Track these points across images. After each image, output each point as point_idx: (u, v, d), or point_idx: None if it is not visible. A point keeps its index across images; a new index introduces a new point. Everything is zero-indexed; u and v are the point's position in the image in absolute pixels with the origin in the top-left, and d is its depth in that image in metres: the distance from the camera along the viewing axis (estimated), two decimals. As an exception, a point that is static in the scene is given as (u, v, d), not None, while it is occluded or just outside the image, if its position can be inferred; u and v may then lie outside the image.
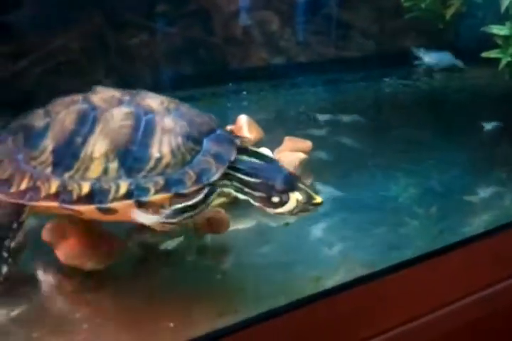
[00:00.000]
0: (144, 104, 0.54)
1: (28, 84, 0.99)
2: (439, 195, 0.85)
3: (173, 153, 0.52)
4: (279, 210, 0.53)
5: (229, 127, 0.89)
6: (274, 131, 0.92)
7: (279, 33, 1.19)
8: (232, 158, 0.53)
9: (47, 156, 0.53)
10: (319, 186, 0.78)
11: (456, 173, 0.89)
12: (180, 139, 0.52)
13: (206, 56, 1.14)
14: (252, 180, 0.54)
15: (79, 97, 0.56)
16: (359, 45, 1.25)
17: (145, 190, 0.51)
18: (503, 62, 0.92)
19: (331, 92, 1.17)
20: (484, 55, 0.94)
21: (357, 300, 0.59)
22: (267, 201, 0.53)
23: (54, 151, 0.53)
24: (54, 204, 0.51)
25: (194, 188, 0.51)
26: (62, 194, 0.51)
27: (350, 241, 0.65)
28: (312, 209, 0.54)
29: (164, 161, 0.52)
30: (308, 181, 0.79)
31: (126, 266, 0.58)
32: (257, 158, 0.57)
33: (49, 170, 0.52)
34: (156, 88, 1.04)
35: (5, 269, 0.52)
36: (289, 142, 0.82)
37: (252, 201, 0.54)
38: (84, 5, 1.02)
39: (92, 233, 0.56)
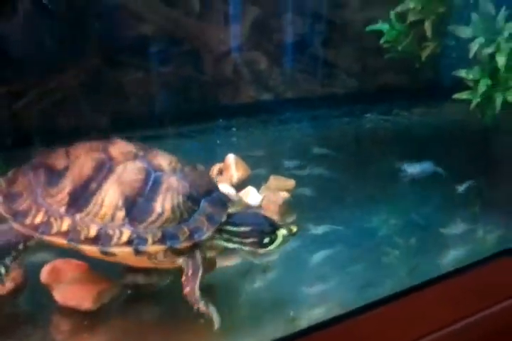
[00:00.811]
0: (155, 161, 0.60)
1: (27, 123, 1.04)
2: (417, 228, 0.90)
3: (173, 210, 0.58)
4: (270, 248, 0.61)
5: (218, 165, 0.95)
6: (260, 167, 0.98)
7: (267, 72, 1.26)
8: (223, 220, 0.60)
9: (63, 196, 0.58)
10: (302, 223, 0.82)
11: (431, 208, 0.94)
12: (181, 198, 0.59)
13: (198, 94, 1.20)
14: (242, 229, 0.61)
15: (99, 145, 0.62)
16: (342, 82, 1.32)
17: (144, 240, 0.56)
18: (474, 102, 0.99)
19: (316, 128, 1.23)
20: (456, 96, 1.01)
21: (332, 339, 0.63)
22: (259, 243, 0.61)
23: (70, 193, 0.58)
24: (63, 241, 0.56)
25: (186, 244, 0.57)
26: (71, 233, 0.56)
27: (329, 279, 0.69)
28: (290, 239, 0.62)
29: (164, 216, 0.58)
30: (292, 218, 0.86)
31: (120, 305, 0.62)
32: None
33: (63, 209, 0.57)
34: (149, 125, 1.11)
35: None
36: (273, 181, 0.87)
37: (242, 247, 0.62)
38: (82, 45, 1.09)
39: (87, 275, 0.61)
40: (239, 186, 0.87)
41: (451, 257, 0.81)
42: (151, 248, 0.56)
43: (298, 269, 0.71)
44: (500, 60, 0.95)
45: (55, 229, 0.57)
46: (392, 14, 1.10)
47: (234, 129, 1.18)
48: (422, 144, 1.16)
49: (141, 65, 1.15)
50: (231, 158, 0.91)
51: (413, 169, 0.92)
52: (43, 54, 1.03)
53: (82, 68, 1.10)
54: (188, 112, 1.18)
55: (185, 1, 1.14)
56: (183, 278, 0.58)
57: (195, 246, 0.58)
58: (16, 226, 0.57)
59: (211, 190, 0.62)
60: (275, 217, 0.77)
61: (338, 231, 0.82)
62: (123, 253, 0.56)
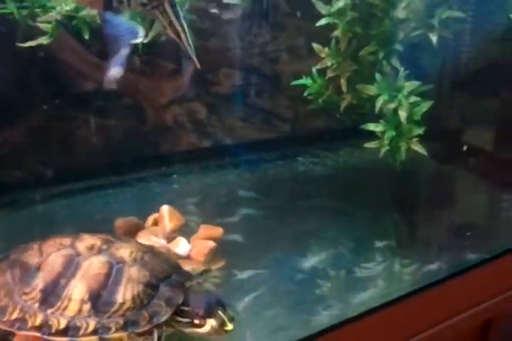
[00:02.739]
0: (117, 254, 0.70)
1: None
2: (345, 266, 1.00)
3: (133, 299, 0.67)
4: (198, 331, 0.69)
5: (153, 216, 1.04)
6: (195, 215, 1.07)
7: (206, 120, 1.36)
8: (180, 302, 0.69)
9: (36, 293, 0.67)
10: (230, 270, 0.92)
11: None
12: (140, 287, 0.68)
13: (140, 144, 1.30)
14: (185, 308, 0.69)
15: (68, 241, 0.71)
16: (276, 128, 1.43)
17: (107, 329, 0.65)
18: (382, 151, 1.11)
19: (252, 172, 1.34)
20: (366, 145, 1.13)
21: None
22: (191, 323, 0.69)
23: (42, 290, 0.67)
24: (37, 334, 0.65)
25: (146, 328, 0.66)
26: (44, 327, 0.65)
27: (242, 326, 0.76)
28: (224, 335, 0.69)
29: (126, 306, 0.67)
30: (219, 265, 0.94)
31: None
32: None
33: (36, 305, 0.66)
34: (93, 175, 1.19)
35: None
36: (202, 230, 0.96)
37: (177, 326, 0.69)
38: (28, 101, 1.17)
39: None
40: (172, 236, 0.97)
41: (365, 296, 0.92)
42: (114, 335, 0.65)
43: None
44: (402, 115, 1.08)
45: (29, 325, 0.65)
46: (314, 70, 1.23)
47: (175, 176, 1.27)
48: (343, 184, 1.29)
49: (85, 118, 1.24)
50: (165, 209, 1.00)
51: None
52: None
53: (27, 123, 1.19)
54: (131, 162, 1.27)
55: (126, 59, 1.25)
56: None
57: (155, 326, 0.67)
58: None
59: (170, 273, 0.71)
60: (200, 266, 0.86)
61: (261, 276, 0.92)
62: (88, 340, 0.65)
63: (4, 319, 0.66)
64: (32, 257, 0.70)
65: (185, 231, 0.99)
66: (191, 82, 1.34)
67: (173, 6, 0.83)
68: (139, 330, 0.66)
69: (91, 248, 0.70)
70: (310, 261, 0.99)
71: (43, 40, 0.98)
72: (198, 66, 0.86)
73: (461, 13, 1.11)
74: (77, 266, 0.68)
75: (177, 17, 0.83)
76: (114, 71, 1.04)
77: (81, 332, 0.65)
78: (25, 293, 0.67)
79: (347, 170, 1.35)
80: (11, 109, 1.14)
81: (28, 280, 0.68)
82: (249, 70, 1.39)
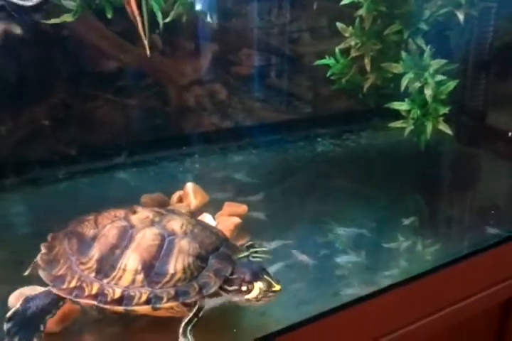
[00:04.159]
0: (168, 226, 0.72)
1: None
2: (367, 244, 1.00)
3: (184, 270, 0.69)
4: (247, 297, 0.70)
5: (178, 193, 1.05)
6: (218, 194, 1.08)
7: (227, 101, 1.36)
8: (228, 274, 0.70)
9: (92, 263, 0.69)
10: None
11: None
12: (191, 259, 0.70)
13: (162, 123, 1.30)
14: (230, 277, 0.71)
15: (122, 213, 0.73)
16: (297, 109, 1.42)
17: (159, 299, 0.67)
18: (407, 130, 1.10)
19: (273, 152, 1.34)
20: (391, 125, 1.12)
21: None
22: (239, 291, 0.70)
23: (98, 260, 0.69)
24: (93, 302, 0.67)
25: (196, 298, 0.68)
26: (100, 296, 0.67)
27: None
28: (273, 296, 0.70)
29: (177, 276, 0.68)
30: (244, 241, 0.95)
31: (82, 327, 0.72)
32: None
33: (92, 275, 0.69)
34: (116, 154, 1.20)
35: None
36: (227, 207, 0.97)
37: (226, 295, 0.71)
38: (51, 81, 1.18)
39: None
40: (197, 213, 0.97)
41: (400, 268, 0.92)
42: (166, 305, 0.67)
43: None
44: (428, 93, 1.07)
45: (86, 293, 0.68)
46: (336, 50, 1.22)
47: (196, 156, 1.28)
48: (364, 165, 1.28)
49: (108, 98, 1.24)
50: (189, 186, 1.01)
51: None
52: (13, 90, 1.11)
53: (51, 102, 1.19)
54: (154, 141, 1.28)
55: (148, 39, 1.24)
56: (185, 317, 0.68)
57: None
58: (54, 290, 0.69)
59: (218, 246, 0.73)
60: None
61: (288, 245, 0.94)
62: (142, 310, 0.68)
63: (64, 286, 0.68)
64: (88, 228, 0.72)
65: (210, 208, 0.99)
66: (212, 63, 1.33)
67: None
68: (190, 300, 0.68)
69: (144, 220, 0.72)
70: (331, 238, 1.00)
71: (67, 18, 0.97)
72: (148, 53, 0.85)
73: (488, -10, 1.10)
74: (130, 237, 0.70)
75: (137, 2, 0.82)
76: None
77: (134, 301, 0.67)
78: (82, 263, 0.69)
79: (369, 151, 1.34)
80: (34, 87, 1.15)
81: (84, 250, 0.70)
82: (270, 51, 1.38)
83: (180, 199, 1.00)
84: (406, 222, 1.05)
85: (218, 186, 1.13)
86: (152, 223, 0.72)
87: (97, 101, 1.23)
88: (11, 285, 0.75)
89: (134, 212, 0.74)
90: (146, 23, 0.82)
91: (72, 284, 0.68)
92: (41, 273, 0.70)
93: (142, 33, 0.83)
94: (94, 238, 0.70)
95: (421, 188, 1.20)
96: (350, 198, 1.13)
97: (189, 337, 0.67)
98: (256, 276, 0.70)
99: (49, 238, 0.75)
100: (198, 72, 1.33)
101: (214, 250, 0.72)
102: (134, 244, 0.69)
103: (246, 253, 0.82)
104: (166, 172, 1.20)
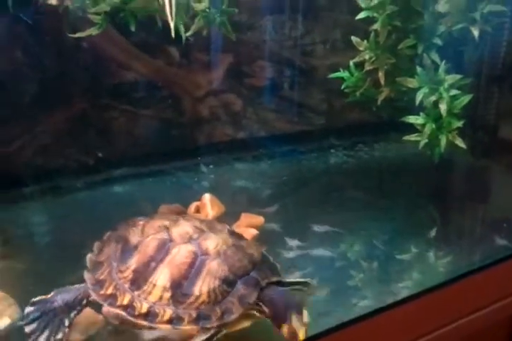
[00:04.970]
0: (203, 244, 0.72)
1: (18, 165, 1.15)
2: (378, 254, 1.01)
3: (209, 293, 0.69)
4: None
5: (195, 204, 1.06)
6: (234, 204, 1.09)
7: (242, 112, 1.38)
8: (252, 301, 0.69)
9: (129, 273, 0.70)
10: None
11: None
12: (217, 282, 0.69)
13: (177, 134, 1.32)
14: (264, 309, 0.70)
15: (167, 224, 0.74)
16: (310, 120, 1.44)
17: (180, 320, 0.67)
18: (422, 143, 1.12)
19: (286, 163, 1.36)
20: (406, 138, 1.14)
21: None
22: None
23: (134, 271, 0.70)
24: (122, 313, 0.68)
25: (216, 324, 0.68)
26: (129, 308, 0.68)
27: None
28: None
29: (201, 299, 0.69)
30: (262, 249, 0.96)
31: (104, 337, 0.73)
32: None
33: (127, 285, 0.70)
34: (132, 164, 1.22)
35: (61, 335, 0.69)
36: (244, 218, 0.99)
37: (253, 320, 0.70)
38: (71, 91, 1.20)
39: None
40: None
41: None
42: (185, 327, 0.68)
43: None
44: (443, 107, 1.08)
45: (118, 303, 0.69)
46: (351, 63, 1.23)
47: (211, 166, 1.30)
48: (377, 177, 1.30)
49: (125, 108, 1.26)
50: (206, 197, 1.03)
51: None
52: (34, 99, 1.14)
53: (70, 112, 1.21)
54: (169, 151, 1.30)
55: (165, 51, 1.27)
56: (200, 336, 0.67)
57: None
58: (93, 294, 0.70)
59: (249, 270, 0.72)
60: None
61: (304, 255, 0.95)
62: (164, 328, 0.68)
63: (101, 292, 0.70)
64: (134, 235, 0.73)
65: (226, 219, 1.01)
66: (227, 75, 1.36)
67: None
68: (210, 326, 0.67)
69: (183, 235, 0.72)
70: (344, 250, 1.01)
71: (93, 31, 0.99)
72: (173, 35, 0.88)
73: (502, 6, 1.11)
74: (167, 251, 0.70)
75: None
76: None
77: (158, 319, 0.68)
78: (121, 271, 0.70)
79: (382, 163, 1.36)
80: (54, 98, 1.17)
81: (125, 258, 0.71)
82: (284, 63, 1.40)
83: (198, 210, 1.01)
84: (418, 233, 1.06)
85: (234, 196, 1.15)
86: (190, 239, 0.72)
87: (114, 111, 1.26)
88: (31, 294, 0.75)
89: (178, 225, 0.74)
90: (173, 7, 0.85)
91: (109, 291, 0.69)
92: (86, 275, 0.71)
93: (169, 15, 0.86)
94: (136, 246, 0.71)
95: (434, 200, 1.21)
96: (363, 209, 1.14)
97: None
98: (284, 318, 0.68)
99: (105, 237, 0.76)
100: (213, 84, 1.35)
101: (243, 274, 0.71)
102: (168, 258, 0.70)
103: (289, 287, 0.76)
104: (182, 182, 1.22)
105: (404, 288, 0.92)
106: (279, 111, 1.42)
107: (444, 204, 1.20)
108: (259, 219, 0.99)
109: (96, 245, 0.75)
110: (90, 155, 1.20)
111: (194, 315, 0.68)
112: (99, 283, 0.70)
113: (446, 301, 0.91)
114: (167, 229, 0.74)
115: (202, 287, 0.69)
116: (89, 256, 0.74)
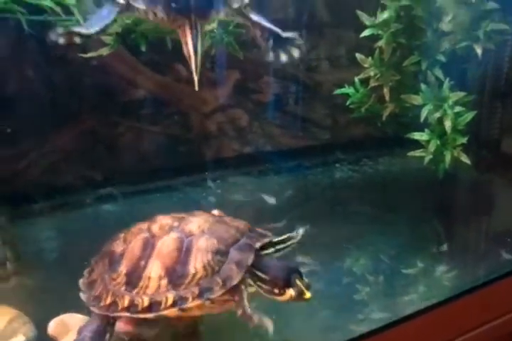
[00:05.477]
0: (186, 228, 0.74)
1: (27, 182, 1.17)
2: (384, 269, 1.02)
3: (205, 267, 0.71)
4: (279, 298, 0.71)
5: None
6: (242, 219, 1.10)
7: (248, 128, 1.40)
8: (250, 263, 0.72)
9: (122, 277, 0.72)
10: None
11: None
12: (210, 255, 0.71)
13: (185, 150, 1.34)
14: (263, 276, 0.72)
15: (145, 225, 0.76)
16: (316, 135, 1.46)
17: (185, 300, 0.69)
18: (426, 159, 1.13)
19: (292, 177, 1.37)
20: (410, 154, 1.15)
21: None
22: (271, 292, 0.72)
23: (126, 274, 0.72)
24: (127, 314, 0.70)
25: (220, 292, 0.70)
26: (131, 307, 0.70)
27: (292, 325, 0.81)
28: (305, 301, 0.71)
29: (198, 275, 0.70)
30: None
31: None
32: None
33: (123, 288, 0.71)
34: (140, 180, 1.23)
35: None
36: (251, 233, 0.99)
37: (260, 291, 0.72)
38: (79, 109, 1.22)
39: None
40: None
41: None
42: (192, 304, 0.69)
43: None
44: (447, 124, 1.10)
45: (120, 307, 0.71)
46: (356, 80, 1.25)
47: (218, 181, 1.31)
48: (382, 192, 1.31)
49: (133, 125, 1.28)
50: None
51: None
52: (43, 117, 1.15)
53: (79, 129, 1.23)
54: (177, 167, 1.32)
55: (174, 69, 1.29)
56: (234, 304, 0.70)
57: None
58: (94, 310, 0.72)
59: (239, 238, 0.74)
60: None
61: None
62: (171, 313, 0.70)
63: (101, 304, 0.71)
64: (118, 246, 0.75)
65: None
66: (234, 91, 1.38)
67: (193, 29, 0.87)
68: (214, 296, 0.69)
69: (164, 227, 0.74)
70: (350, 265, 1.03)
71: (104, 51, 1.02)
72: (196, 88, 0.89)
73: (504, 25, 1.13)
74: (152, 246, 0.72)
75: (193, 40, 0.88)
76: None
77: (162, 306, 0.69)
78: (114, 279, 0.72)
79: (387, 178, 1.37)
80: (62, 114, 1.19)
81: (115, 267, 0.73)
82: (289, 79, 1.42)
83: (206, 226, 1.02)
84: (424, 247, 1.08)
85: (241, 212, 1.15)
86: (171, 229, 0.74)
87: (122, 128, 1.28)
88: (45, 312, 0.78)
89: (155, 222, 0.76)
90: (199, 62, 0.87)
91: (108, 301, 0.71)
92: (82, 296, 0.73)
93: (194, 71, 0.88)
94: (122, 254, 0.73)
95: (439, 214, 1.23)
96: (370, 224, 1.15)
97: (253, 316, 0.68)
98: (288, 282, 0.70)
99: (92, 262, 0.78)
100: (221, 100, 1.37)
101: (234, 242, 0.73)
102: (155, 252, 0.71)
103: (282, 246, 0.80)
104: (189, 198, 1.23)
105: (410, 303, 0.93)
106: (284, 126, 1.43)
107: (448, 219, 1.21)
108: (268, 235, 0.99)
109: (86, 271, 0.77)
110: (98, 172, 1.22)
111: (197, 291, 0.69)
112: (98, 299, 0.72)
113: (451, 316, 0.92)
114: (146, 228, 0.76)
115: (196, 264, 0.70)
116: (81, 281, 0.76)
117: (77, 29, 0.92)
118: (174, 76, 1.29)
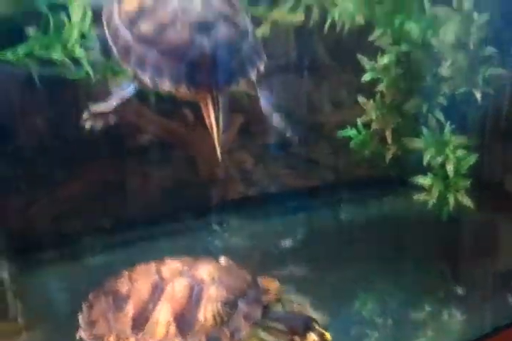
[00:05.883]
0: (197, 275, 0.74)
1: (37, 231, 1.17)
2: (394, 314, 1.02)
3: (214, 317, 0.71)
4: None
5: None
6: (248, 267, 1.10)
7: (253, 169, 1.42)
8: (258, 317, 0.72)
9: (128, 319, 0.72)
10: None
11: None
12: (219, 305, 0.72)
13: (192, 193, 1.35)
14: (280, 327, 0.73)
15: (154, 267, 0.76)
16: (320, 175, 1.48)
17: None
18: (430, 203, 1.14)
19: (297, 219, 1.38)
20: (415, 198, 1.16)
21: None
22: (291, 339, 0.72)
23: (133, 316, 0.72)
24: None
25: None
26: None
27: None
28: None
29: (207, 324, 0.71)
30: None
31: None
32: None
33: (128, 330, 0.71)
34: (147, 224, 1.24)
35: None
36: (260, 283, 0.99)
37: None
38: (88, 157, 1.24)
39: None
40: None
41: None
42: None
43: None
44: (450, 168, 1.11)
45: None
46: (358, 122, 1.27)
47: (225, 225, 1.33)
48: (387, 233, 1.31)
49: (140, 170, 1.30)
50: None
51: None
52: (50, 166, 1.17)
53: (87, 177, 1.25)
54: (183, 210, 1.33)
55: (180, 114, 1.32)
56: None
57: None
58: None
59: (246, 290, 0.75)
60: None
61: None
62: None
63: None
64: (123, 285, 0.75)
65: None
66: (239, 134, 1.40)
67: (215, 104, 0.91)
68: None
69: (173, 271, 0.75)
70: (356, 310, 1.03)
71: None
72: (220, 159, 0.94)
73: (503, 69, 1.15)
74: (161, 290, 0.72)
75: (215, 113, 0.92)
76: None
77: None
78: (118, 319, 0.72)
79: (391, 219, 1.38)
80: (71, 163, 1.21)
81: (120, 306, 0.73)
82: (293, 120, 1.44)
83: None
84: (430, 291, 1.08)
85: (246, 258, 1.16)
86: (181, 274, 0.74)
87: (130, 174, 1.30)
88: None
89: (164, 264, 0.77)
90: (220, 132, 0.89)
91: None
92: (82, 333, 0.73)
93: (216, 143, 0.94)
94: (128, 294, 0.73)
95: (445, 256, 1.22)
96: (376, 266, 1.16)
97: None
98: (307, 328, 0.72)
99: (90, 297, 0.78)
100: (226, 143, 1.39)
101: (242, 294, 0.74)
102: (164, 296, 0.71)
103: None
104: (195, 242, 1.24)
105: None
106: (288, 166, 1.45)
107: (454, 261, 1.21)
108: (274, 284, 0.98)
109: (84, 305, 0.76)
110: (107, 219, 1.23)
111: (204, 339, 0.69)
112: (99, 338, 0.71)
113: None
114: (155, 270, 0.76)
115: (206, 313, 0.71)
116: (80, 316, 0.75)
117: (98, 109, 0.95)
118: (180, 121, 1.32)
